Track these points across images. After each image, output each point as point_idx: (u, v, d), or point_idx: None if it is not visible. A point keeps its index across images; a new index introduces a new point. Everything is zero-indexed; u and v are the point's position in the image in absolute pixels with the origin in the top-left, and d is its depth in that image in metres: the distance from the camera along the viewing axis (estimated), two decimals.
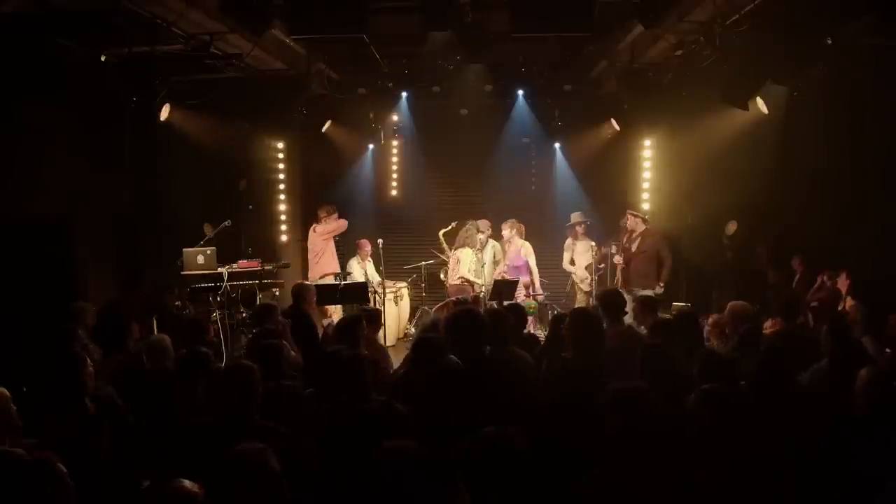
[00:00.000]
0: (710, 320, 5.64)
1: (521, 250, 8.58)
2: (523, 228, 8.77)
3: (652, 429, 2.77)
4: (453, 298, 7.82)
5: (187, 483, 2.30)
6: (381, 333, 6.74)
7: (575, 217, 9.12)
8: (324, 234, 9.08)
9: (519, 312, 5.45)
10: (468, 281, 8.70)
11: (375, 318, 5.77)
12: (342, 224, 9.19)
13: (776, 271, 8.41)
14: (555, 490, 2.68)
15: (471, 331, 4.12)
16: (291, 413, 3.50)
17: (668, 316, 5.64)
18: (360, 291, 7.92)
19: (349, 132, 10.26)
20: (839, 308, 7.18)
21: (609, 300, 5.25)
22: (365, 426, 3.08)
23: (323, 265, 9.03)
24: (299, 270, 9.92)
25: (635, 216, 8.39)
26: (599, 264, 8.74)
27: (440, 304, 8.65)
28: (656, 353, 3.80)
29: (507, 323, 4.52)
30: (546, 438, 3.06)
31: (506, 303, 7.47)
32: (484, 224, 8.86)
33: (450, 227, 9.06)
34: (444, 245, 9.21)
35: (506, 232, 8.75)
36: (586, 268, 8.90)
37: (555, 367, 3.93)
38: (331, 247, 9.14)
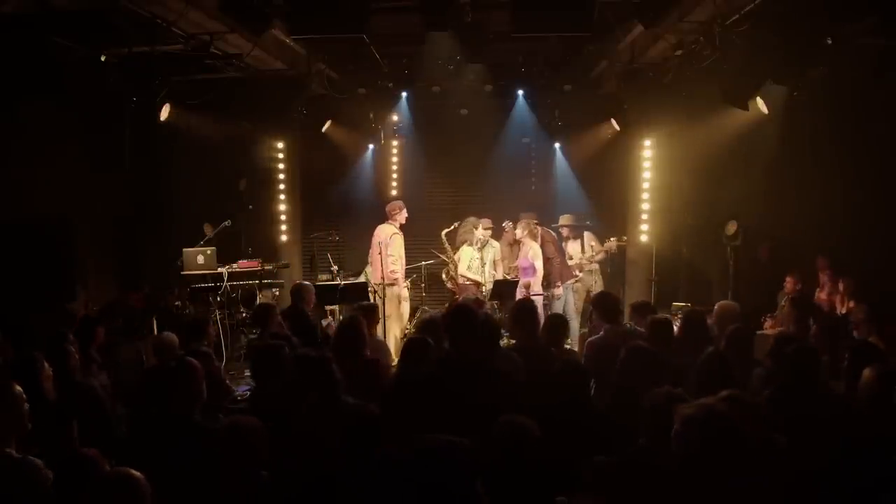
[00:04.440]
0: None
1: (530, 252, 8.58)
2: (538, 231, 8.67)
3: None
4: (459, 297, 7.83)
5: (133, 472, 2.40)
6: (380, 330, 6.74)
7: (563, 220, 9.13)
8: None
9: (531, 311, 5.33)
10: (469, 279, 8.69)
11: (372, 313, 5.73)
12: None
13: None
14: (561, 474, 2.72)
15: (466, 329, 4.14)
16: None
17: (666, 315, 5.63)
18: (360, 291, 7.92)
19: (349, 132, 10.25)
20: (841, 310, 7.20)
21: (603, 302, 5.25)
22: (332, 427, 3.10)
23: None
24: (299, 270, 9.92)
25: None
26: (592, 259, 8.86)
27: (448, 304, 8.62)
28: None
29: (495, 325, 4.57)
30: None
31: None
32: (485, 223, 8.83)
33: (452, 228, 9.04)
34: (446, 245, 9.18)
35: (518, 232, 8.75)
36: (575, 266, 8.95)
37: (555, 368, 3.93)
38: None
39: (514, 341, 5.24)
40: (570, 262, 9.04)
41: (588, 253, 8.96)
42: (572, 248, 9.04)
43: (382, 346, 5.54)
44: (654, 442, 2.88)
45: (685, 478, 2.48)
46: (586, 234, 9.14)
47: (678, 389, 3.07)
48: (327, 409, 3.44)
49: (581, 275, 8.89)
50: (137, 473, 2.40)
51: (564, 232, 9.06)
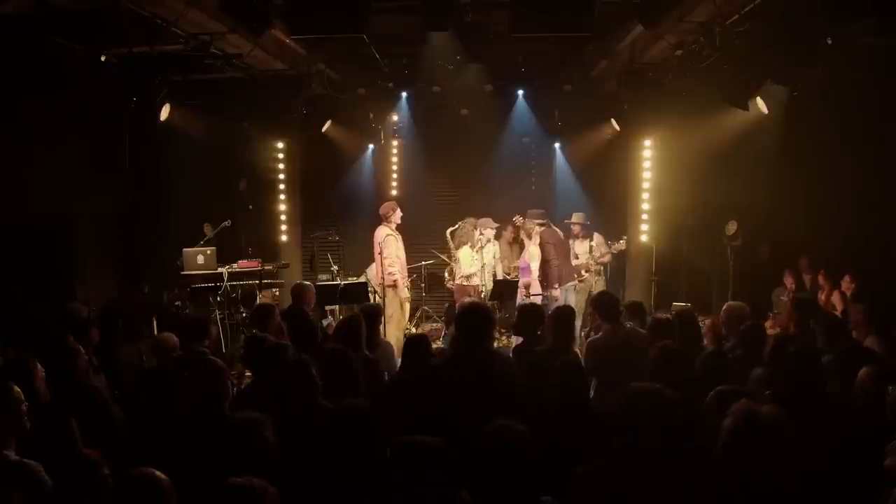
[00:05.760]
0: (707, 323, 5.63)
1: (526, 253, 8.57)
2: (533, 230, 8.61)
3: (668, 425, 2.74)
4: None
5: (157, 472, 2.39)
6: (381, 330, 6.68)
7: (576, 217, 9.11)
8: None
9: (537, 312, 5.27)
10: (468, 281, 8.67)
11: (375, 315, 5.65)
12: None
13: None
14: (555, 481, 2.69)
15: (477, 327, 4.10)
16: None
17: (667, 315, 5.62)
18: (360, 291, 7.92)
19: (349, 132, 10.24)
20: (839, 310, 7.18)
21: (602, 302, 5.23)
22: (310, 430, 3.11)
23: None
24: (299, 270, 9.92)
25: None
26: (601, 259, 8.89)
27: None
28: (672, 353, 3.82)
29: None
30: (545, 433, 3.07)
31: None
32: (485, 222, 8.81)
33: (457, 227, 9.03)
34: (451, 245, 9.15)
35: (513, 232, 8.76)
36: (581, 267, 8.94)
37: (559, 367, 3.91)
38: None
39: (513, 342, 5.24)
40: (575, 262, 9.01)
41: (597, 253, 8.95)
42: (580, 247, 9.02)
43: (388, 349, 5.45)
44: (630, 443, 2.79)
45: (726, 474, 2.44)
46: (596, 236, 9.09)
47: (658, 386, 3.03)
48: (304, 412, 3.41)
49: (586, 275, 8.88)
50: (161, 475, 2.38)
51: (575, 230, 9.03)
